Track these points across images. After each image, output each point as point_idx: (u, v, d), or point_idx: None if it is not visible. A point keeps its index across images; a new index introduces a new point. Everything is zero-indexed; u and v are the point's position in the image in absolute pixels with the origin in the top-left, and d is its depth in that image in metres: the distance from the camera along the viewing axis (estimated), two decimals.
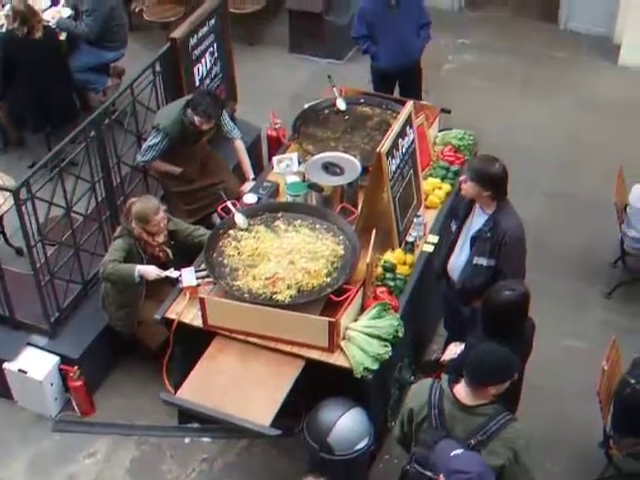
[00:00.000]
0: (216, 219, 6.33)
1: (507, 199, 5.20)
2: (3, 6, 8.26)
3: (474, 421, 4.14)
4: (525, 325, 4.84)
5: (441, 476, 3.83)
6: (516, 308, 4.70)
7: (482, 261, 5.20)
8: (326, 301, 5.28)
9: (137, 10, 9.75)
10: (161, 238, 5.90)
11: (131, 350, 6.36)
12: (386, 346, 5.09)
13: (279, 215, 5.84)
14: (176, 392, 5.22)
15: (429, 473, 4.14)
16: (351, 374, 5.02)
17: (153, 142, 6.39)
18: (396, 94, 7.67)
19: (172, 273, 5.67)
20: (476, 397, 4.16)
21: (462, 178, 5.27)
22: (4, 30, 7.83)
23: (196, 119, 6.32)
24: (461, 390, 4.20)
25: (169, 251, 6.00)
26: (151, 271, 5.72)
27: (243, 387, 5.10)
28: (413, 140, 5.87)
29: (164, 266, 5.85)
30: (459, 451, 3.92)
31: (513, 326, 4.70)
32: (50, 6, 8.50)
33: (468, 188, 5.18)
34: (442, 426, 4.15)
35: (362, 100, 6.76)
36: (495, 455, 4.11)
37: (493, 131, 8.01)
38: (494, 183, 5.09)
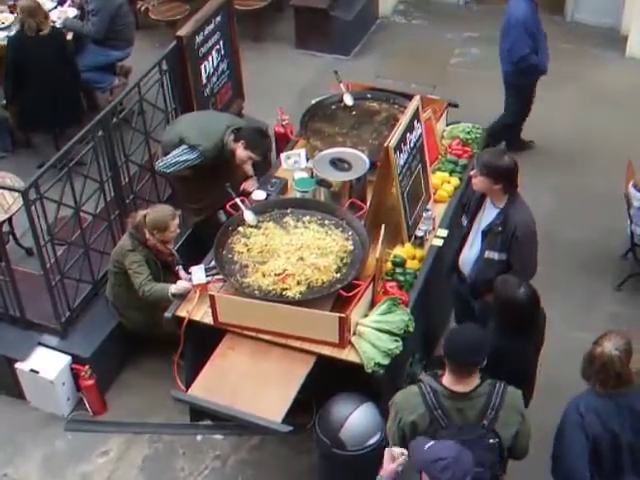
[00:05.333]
0: (221, 215, 6.32)
1: (518, 193, 5.20)
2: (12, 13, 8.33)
3: (478, 403, 4.17)
4: (539, 316, 4.86)
5: (424, 475, 3.80)
6: (529, 307, 4.72)
7: (493, 255, 5.20)
8: (336, 297, 5.27)
9: (143, 9, 9.78)
10: (172, 245, 5.95)
11: (142, 348, 6.37)
12: (397, 341, 5.08)
13: (288, 211, 5.84)
14: (187, 390, 5.24)
15: None
16: (362, 369, 5.01)
17: (184, 158, 6.18)
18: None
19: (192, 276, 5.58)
20: (467, 381, 4.17)
21: (472, 173, 5.27)
22: (13, 33, 7.86)
23: (239, 152, 6.21)
24: (450, 381, 4.20)
25: (176, 254, 6.08)
26: (182, 287, 5.58)
27: (254, 384, 5.10)
28: (421, 134, 5.86)
29: (172, 268, 6.00)
30: (431, 442, 3.91)
31: (527, 320, 4.73)
32: (56, 6, 8.53)
33: (479, 182, 5.17)
34: (450, 422, 4.15)
35: (369, 95, 6.74)
36: (509, 425, 4.18)
37: None
38: (505, 176, 5.09)
